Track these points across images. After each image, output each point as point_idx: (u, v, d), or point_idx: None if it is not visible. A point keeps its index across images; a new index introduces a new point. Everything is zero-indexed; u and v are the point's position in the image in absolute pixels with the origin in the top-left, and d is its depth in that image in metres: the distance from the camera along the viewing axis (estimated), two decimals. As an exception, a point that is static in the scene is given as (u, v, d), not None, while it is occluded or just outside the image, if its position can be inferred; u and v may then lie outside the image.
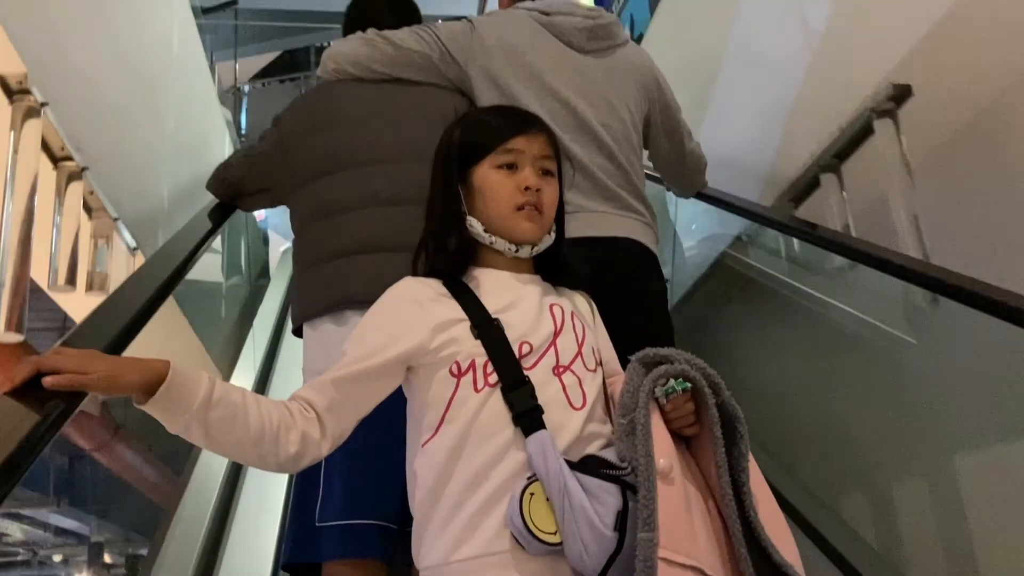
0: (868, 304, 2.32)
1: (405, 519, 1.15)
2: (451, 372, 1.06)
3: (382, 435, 1.20)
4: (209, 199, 2.04)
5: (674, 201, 3.44)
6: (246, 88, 10.65)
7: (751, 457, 1.04)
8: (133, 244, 2.75)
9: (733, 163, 3.00)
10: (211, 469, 2.56)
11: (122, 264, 2.63)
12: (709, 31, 3.34)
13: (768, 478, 1.05)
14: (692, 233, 3.41)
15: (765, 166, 2.80)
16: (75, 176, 2.27)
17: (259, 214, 6.41)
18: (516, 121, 1.20)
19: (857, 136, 2.28)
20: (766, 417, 2.68)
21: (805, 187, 2.57)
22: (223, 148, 4.62)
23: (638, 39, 4.61)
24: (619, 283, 1.60)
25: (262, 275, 4.97)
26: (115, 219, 2.58)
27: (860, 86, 2.22)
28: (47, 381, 0.89)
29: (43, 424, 0.89)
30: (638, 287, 1.71)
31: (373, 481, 1.39)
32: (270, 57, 11.23)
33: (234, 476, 2.63)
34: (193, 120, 3.99)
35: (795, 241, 2.67)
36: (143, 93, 3.04)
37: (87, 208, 2.50)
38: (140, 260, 2.80)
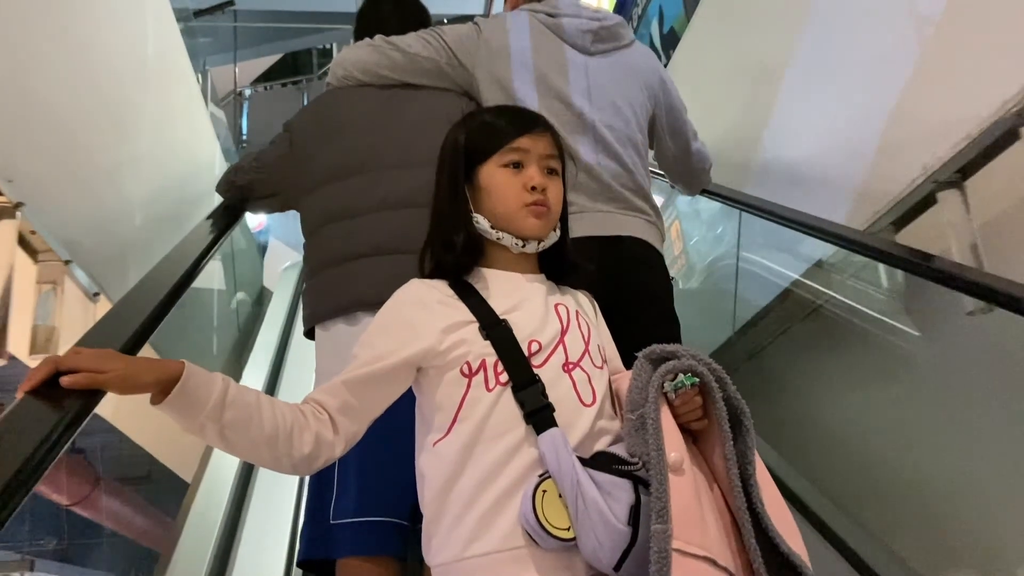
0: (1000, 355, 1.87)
1: (418, 516, 1.17)
2: (462, 372, 1.07)
3: (395, 434, 1.20)
4: (199, 218, 1.97)
5: (737, 217, 2.99)
6: (247, 92, 10.45)
7: (756, 451, 1.03)
8: (93, 289, 2.28)
9: (809, 178, 2.55)
10: (222, 470, 2.50)
11: (77, 313, 2.17)
12: (773, 23, 2.86)
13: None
14: (761, 254, 2.95)
15: (853, 182, 2.32)
16: (6, 213, 1.81)
17: (259, 223, 6.21)
18: (520, 121, 1.21)
19: (993, 145, 1.82)
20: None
21: (913, 207, 2.09)
22: (213, 165, 4.14)
23: (669, 33, 4.18)
24: (625, 281, 1.62)
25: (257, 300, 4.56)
26: (66, 262, 2.11)
27: (996, 86, 1.77)
28: (65, 380, 0.91)
29: (61, 422, 0.91)
30: (644, 285, 1.69)
31: (386, 479, 1.41)
32: (271, 60, 10.91)
33: (245, 477, 2.56)
34: (175, 135, 3.53)
35: (898, 272, 2.20)
36: (108, 108, 2.59)
37: (31, 251, 2.04)
38: (104, 306, 2.33)
